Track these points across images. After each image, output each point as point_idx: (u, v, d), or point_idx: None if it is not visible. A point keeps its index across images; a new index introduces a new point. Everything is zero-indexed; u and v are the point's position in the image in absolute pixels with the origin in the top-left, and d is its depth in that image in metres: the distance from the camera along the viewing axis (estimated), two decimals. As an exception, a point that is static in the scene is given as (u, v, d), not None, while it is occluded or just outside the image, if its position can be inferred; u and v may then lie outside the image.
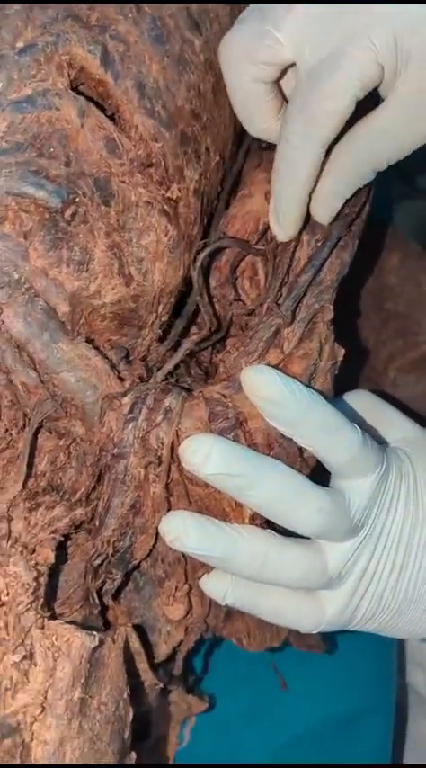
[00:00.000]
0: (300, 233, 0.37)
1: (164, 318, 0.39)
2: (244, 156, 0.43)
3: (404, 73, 0.33)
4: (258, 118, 0.37)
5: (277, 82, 0.37)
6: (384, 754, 0.51)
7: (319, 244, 0.37)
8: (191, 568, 0.37)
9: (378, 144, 0.35)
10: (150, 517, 0.34)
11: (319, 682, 0.50)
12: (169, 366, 0.37)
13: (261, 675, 0.49)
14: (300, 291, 0.36)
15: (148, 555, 0.35)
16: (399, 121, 0.34)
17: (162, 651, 0.37)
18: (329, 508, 0.35)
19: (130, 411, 0.34)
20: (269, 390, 0.33)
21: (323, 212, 0.37)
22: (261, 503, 0.34)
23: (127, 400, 0.34)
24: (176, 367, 0.39)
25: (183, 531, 0.34)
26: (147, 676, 0.35)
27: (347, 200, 0.37)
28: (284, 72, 0.36)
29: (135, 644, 0.33)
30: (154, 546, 0.35)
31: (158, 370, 0.37)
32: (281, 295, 0.36)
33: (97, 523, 0.34)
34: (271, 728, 0.49)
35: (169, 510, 0.35)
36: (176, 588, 0.36)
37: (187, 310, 0.40)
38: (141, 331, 0.39)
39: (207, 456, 0.33)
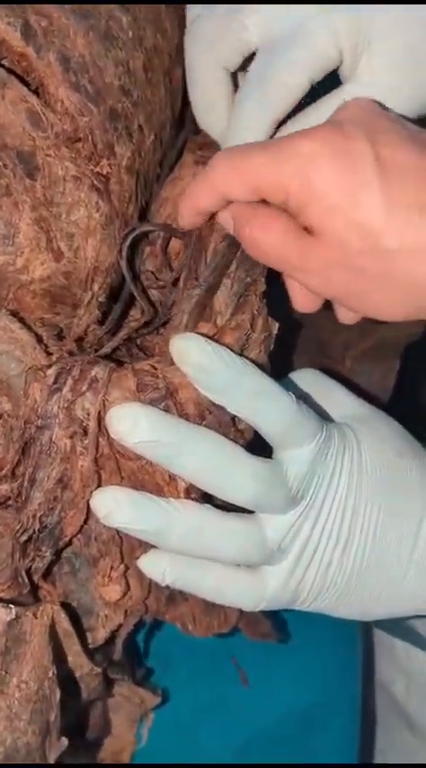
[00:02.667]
0: None
1: (102, 298, 0.39)
2: (184, 141, 0.43)
3: (363, 60, 0.33)
4: (218, 105, 0.37)
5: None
6: (350, 750, 0.49)
7: None
8: (129, 548, 0.36)
9: None
10: (79, 492, 0.33)
11: (281, 676, 0.49)
12: (106, 349, 0.37)
13: (221, 670, 0.48)
14: (216, 260, 0.35)
15: (80, 532, 0.34)
16: None
17: (100, 635, 0.36)
18: (263, 476, 0.34)
19: (55, 382, 0.33)
20: (197, 357, 0.33)
21: None
22: (192, 471, 0.33)
23: (51, 371, 0.33)
24: (116, 350, 0.38)
25: (115, 505, 0.33)
26: (81, 660, 0.34)
27: None
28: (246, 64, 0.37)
29: (63, 623, 0.32)
30: (86, 523, 0.34)
31: (95, 352, 0.37)
32: (200, 267, 0.36)
33: (23, 498, 0.33)
34: (232, 725, 0.48)
35: (100, 485, 0.34)
36: (111, 568, 0.35)
37: (125, 293, 0.39)
38: (76, 310, 0.38)
39: (133, 424, 0.32)
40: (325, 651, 0.49)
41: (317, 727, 0.49)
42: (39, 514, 0.33)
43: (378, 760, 0.56)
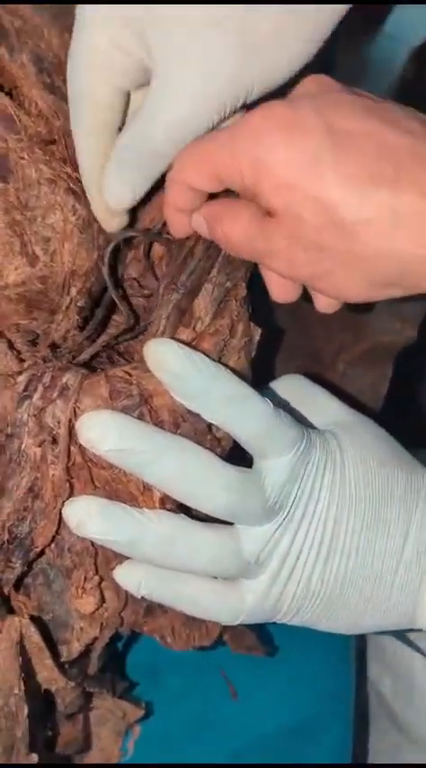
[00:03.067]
0: None
1: (80, 303, 0.38)
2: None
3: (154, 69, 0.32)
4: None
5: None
6: (343, 762, 0.48)
7: None
8: (104, 559, 0.35)
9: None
10: (51, 501, 0.33)
11: (271, 689, 0.48)
12: (85, 356, 0.36)
13: (209, 683, 0.47)
14: (193, 265, 0.34)
15: (52, 543, 0.33)
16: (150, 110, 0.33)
17: (74, 648, 0.35)
18: (237, 486, 0.33)
19: (25, 389, 0.32)
20: (170, 362, 0.32)
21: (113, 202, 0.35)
22: (164, 480, 0.32)
23: (22, 378, 0.32)
24: (97, 356, 0.38)
25: (87, 515, 0.32)
26: (54, 675, 0.33)
27: None
28: None
29: (34, 637, 0.31)
30: (58, 533, 0.33)
31: (73, 359, 0.36)
32: (180, 273, 0.35)
33: (-9, 509, 0.32)
34: (221, 739, 0.47)
35: (72, 495, 0.33)
36: (85, 579, 0.34)
37: (106, 298, 0.39)
38: (54, 315, 0.37)
39: (103, 432, 0.31)
40: (317, 661, 0.48)
41: (309, 740, 0.47)
42: (8, 524, 0.32)
43: (372, 760, 0.54)
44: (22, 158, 0.35)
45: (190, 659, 0.45)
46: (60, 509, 0.33)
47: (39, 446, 0.32)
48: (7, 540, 0.32)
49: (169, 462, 0.32)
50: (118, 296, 0.37)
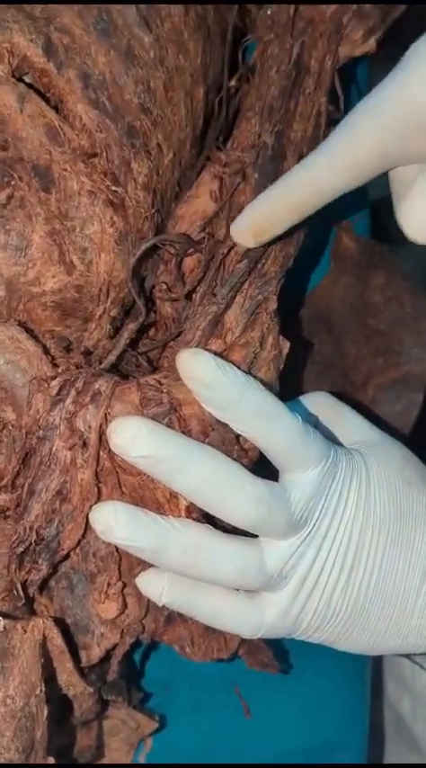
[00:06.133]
0: None
1: (113, 313, 0.39)
2: (204, 160, 0.43)
3: None
4: None
5: None
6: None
7: None
8: (127, 566, 0.35)
9: None
10: (79, 505, 0.33)
11: (286, 708, 0.47)
12: (111, 358, 0.37)
13: (223, 700, 0.47)
14: (235, 280, 0.35)
15: (78, 547, 0.34)
16: None
17: (94, 654, 0.35)
18: (265, 498, 0.33)
19: (58, 393, 0.33)
20: (202, 372, 0.32)
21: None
22: (191, 489, 0.32)
23: (55, 383, 0.33)
24: (125, 364, 0.38)
25: (113, 520, 0.32)
26: (73, 679, 0.33)
27: None
28: None
29: (56, 640, 0.32)
30: (84, 538, 0.34)
31: (100, 363, 0.37)
32: (217, 284, 0.36)
33: (21, 509, 0.32)
34: (232, 757, 0.46)
35: (100, 499, 0.33)
36: (108, 585, 0.34)
37: (137, 308, 0.39)
38: (87, 324, 0.38)
39: (134, 438, 0.32)
40: (332, 680, 0.48)
41: (323, 760, 0.47)
42: (36, 526, 0.32)
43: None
44: (65, 170, 0.36)
45: (205, 674, 0.45)
46: (87, 513, 0.33)
47: (70, 449, 0.32)
48: (35, 542, 0.32)
49: (198, 471, 0.32)
50: (135, 289, 0.38)
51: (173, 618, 0.37)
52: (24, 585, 0.33)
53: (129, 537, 0.32)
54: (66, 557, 0.34)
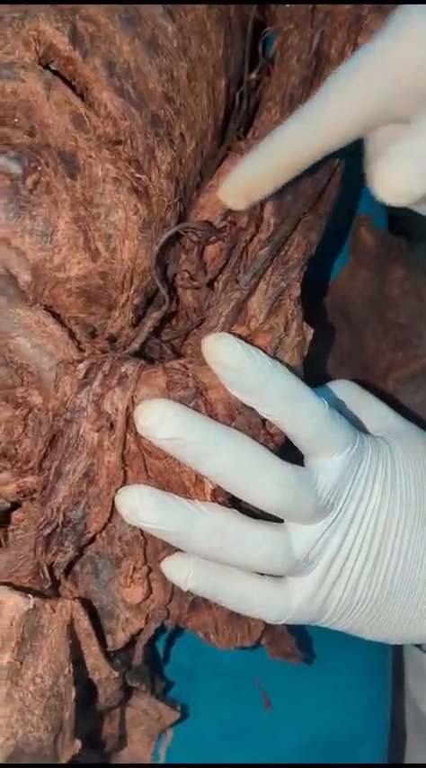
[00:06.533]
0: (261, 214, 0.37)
1: (136, 301, 0.39)
2: (226, 150, 0.44)
3: None
4: None
5: None
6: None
7: (279, 222, 0.36)
8: (153, 550, 0.35)
9: None
10: (105, 488, 0.33)
11: (307, 700, 0.47)
12: (135, 345, 0.37)
13: (244, 691, 0.47)
14: (258, 265, 0.35)
15: (103, 530, 0.34)
16: None
17: (119, 639, 0.35)
18: (291, 482, 0.33)
19: (85, 376, 0.33)
20: (228, 356, 0.32)
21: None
22: (218, 472, 0.32)
23: (82, 366, 0.33)
24: (148, 351, 0.38)
25: (139, 504, 0.33)
26: (99, 663, 0.33)
27: (308, 179, 0.37)
28: None
29: (83, 622, 0.32)
30: (109, 521, 0.34)
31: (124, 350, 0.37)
32: (239, 272, 0.36)
33: (48, 491, 0.32)
34: (253, 750, 0.46)
35: (126, 483, 0.33)
36: (134, 569, 0.34)
37: (159, 296, 0.40)
38: (111, 311, 0.38)
39: (161, 420, 0.32)
40: (354, 674, 0.48)
41: (344, 753, 0.47)
42: (63, 508, 0.32)
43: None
44: (90, 157, 0.36)
45: (228, 664, 0.45)
46: (113, 496, 0.33)
47: (97, 432, 0.32)
48: (62, 523, 0.33)
49: (225, 454, 0.32)
50: (159, 277, 0.38)
51: (197, 604, 0.37)
52: (51, 568, 0.33)
53: (155, 520, 0.32)
54: (92, 540, 0.34)
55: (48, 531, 0.32)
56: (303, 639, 0.45)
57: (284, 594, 0.35)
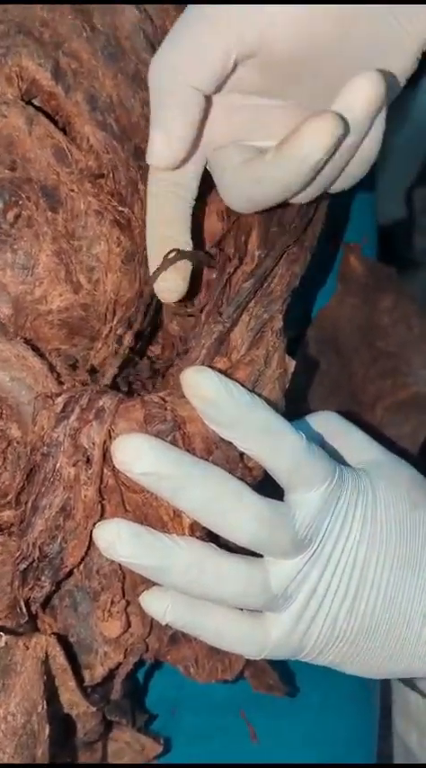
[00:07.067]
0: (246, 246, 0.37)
1: (120, 332, 0.39)
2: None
3: None
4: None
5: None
6: None
7: (263, 256, 0.36)
8: (131, 584, 0.35)
9: None
10: (82, 522, 0.33)
11: (293, 732, 0.47)
12: (111, 371, 0.37)
13: (229, 723, 0.46)
14: (241, 298, 0.35)
15: (81, 563, 0.34)
16: None
17: (98, 673, 0.35)
18: (267, 517, 0.33)
19: (63, 410, 0.33)
20: (206, 390, 0.32)
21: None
22: (194, 507, 0.32)
23: (60, 400, 0.33)
24: (135, 381, 0.38)
25: (117, 538, 0.32)
26: (76, 698, 0.33)
27: (294, 212, 0.37)
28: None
29: (59, 658, 0.32)
30: (87, 555, 0.34)
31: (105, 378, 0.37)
32: (222, 303, 0.36)
33: (24, 525, 0.32)
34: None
35: (103, 517, 0.33)
36: (112, 602, 0.34)
37: (144, 325, 0.40)
38: (94, 342, 0.38)
39: (137, 455, 0.32)
40: (339, 707, 0.47)
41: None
42: (39, 542, 0.32)
43: None
44: (72, 190, 0.36)
45: (210, 697, 0.45)
46: (91, 530, 0.33)
47: (74, 466, 0.32)
48: (38, 558, 0.32)
49: (200, 488, 0.32)
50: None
51: (177, 638, 0.37)
52: (28, 603, 0.33)
53: (133, 554, 0.32)
54: (70, 574, 0.34)
55: (24, 565, 0.32)
56: (287, 673, 0.44)
57: (262, 630, 0.35)
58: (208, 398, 0.32)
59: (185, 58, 0.33)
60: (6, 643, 0.29)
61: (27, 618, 0.32)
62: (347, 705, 0.48)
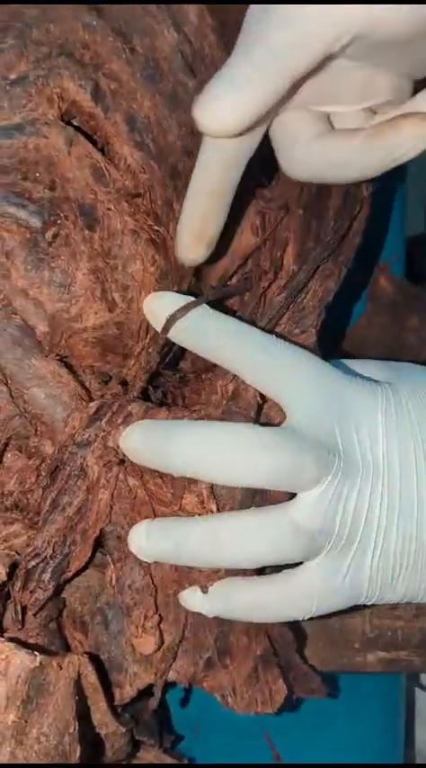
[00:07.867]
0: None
1: (152, 350, 0.39)
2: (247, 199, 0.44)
3: None
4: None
5: None
6: None
7: (297, 270, 0.36)
8: (163, 599, 0.35)
9: None
10: (92, 525, 0.33)
11: (317, 755, 0.46)
12: (141, 383, 0.37)
13: (253, 745, 0.46)
14: (274, 313, 0.35)
15: (114, 579, 0.34)
16: None
17: (127, 692, 0.35)
18: (277, 442, 0.29)
19: (96, 413, 0.33)
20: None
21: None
22: (195, 460, 0.30)
23: (94, 404, 0.34)
24: (166, 395, 0.39)
25: (142, 533, 0.32)
26: (106, 718, 0.32)
27: (329, 226, 0.37)
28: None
29: (91, 677, 0.31)
30: (121, 569, 0.34)
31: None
32: (257, 318, 0.36)
33: (41, 521, 0.32)
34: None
35: (110, 522, 0.34)
36: (145, 617, 0.34)
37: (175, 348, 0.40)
38: (127, 360, 0.38)
39: (131, 433, 0.32)
40: (364, 727, 0.47)
41: None
42: (54, 540, 0.32)
43: None
44: (109, 209, 0.36)
45: (234, 718, 0.44)
46: (97, 536, 0.33)
47: (104, 466, 0.33)
48: (49, 557, 0.32)
49: (194, 439, 0.30)
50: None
51: (212, 662, 0.36)
52: (24, 608, 0.33)
53: (153, 546, 0.32)
54: (70, 579, 0.34)
55: (34, 563, 0.32)
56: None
57: (301, 582, 0.31)
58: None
59: (312, 19, 0.28)
60: (41, 663, 0.28)
61: (23, 625, 0.32)
62: (373, 725, 0.47)
